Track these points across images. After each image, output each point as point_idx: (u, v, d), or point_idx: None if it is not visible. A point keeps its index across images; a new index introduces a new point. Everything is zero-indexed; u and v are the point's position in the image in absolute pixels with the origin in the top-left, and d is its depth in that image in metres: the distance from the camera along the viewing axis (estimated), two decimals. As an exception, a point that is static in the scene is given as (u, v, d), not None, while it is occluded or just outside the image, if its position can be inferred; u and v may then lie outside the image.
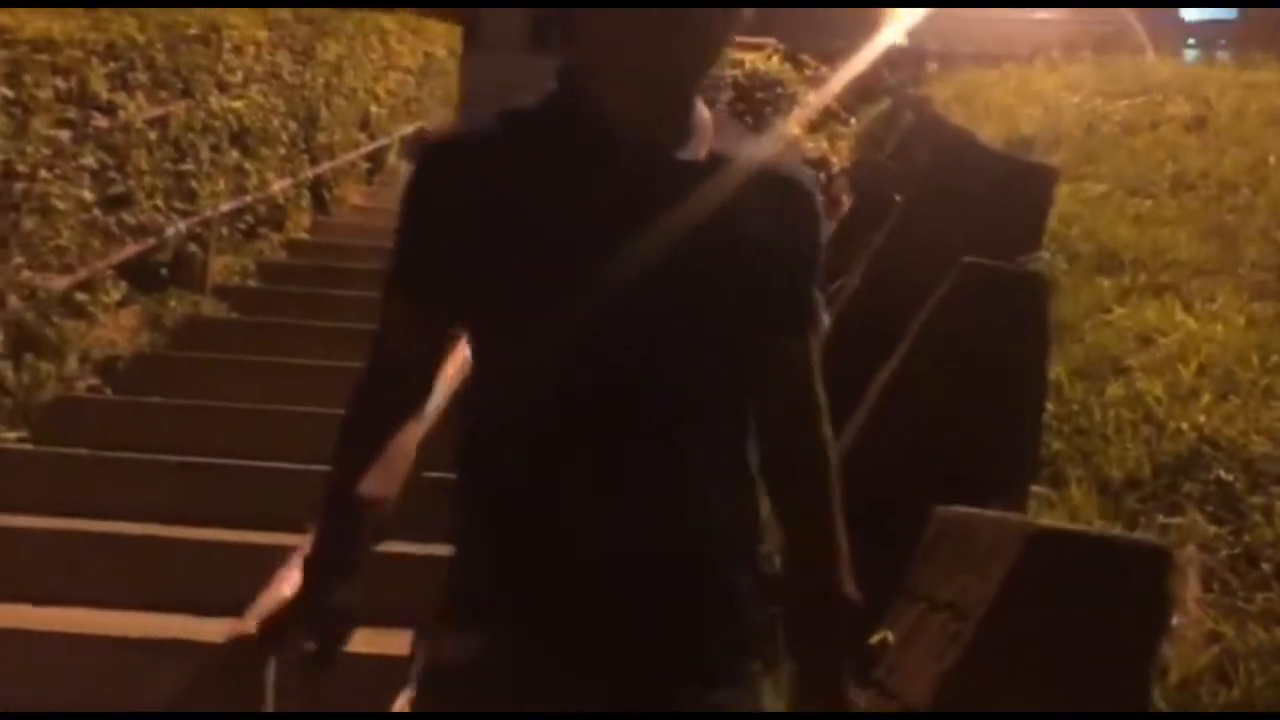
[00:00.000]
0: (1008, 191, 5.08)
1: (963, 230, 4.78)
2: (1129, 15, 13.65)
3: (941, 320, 3.68)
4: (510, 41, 17.88)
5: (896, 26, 12.71)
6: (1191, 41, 12.43)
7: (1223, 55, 12.83)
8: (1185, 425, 3.72)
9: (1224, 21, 15.68)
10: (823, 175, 7.41)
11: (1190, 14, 16.47)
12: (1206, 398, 3.82)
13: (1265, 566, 3.26)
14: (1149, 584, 2.36)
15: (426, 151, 1.39)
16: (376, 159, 10.50)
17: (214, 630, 3.52)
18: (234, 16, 7.68)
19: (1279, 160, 5.66)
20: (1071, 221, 5.31)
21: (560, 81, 1.38)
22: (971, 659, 2.35)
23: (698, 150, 1.36)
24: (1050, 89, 7.58)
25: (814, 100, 7.79)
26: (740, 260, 1.36)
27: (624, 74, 1.32)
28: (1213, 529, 3.39)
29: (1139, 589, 2.36)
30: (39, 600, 4.17)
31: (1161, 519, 3.45)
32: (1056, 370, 4.11)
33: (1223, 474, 3.53)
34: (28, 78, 5.54)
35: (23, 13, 5.88)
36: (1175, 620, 3.29)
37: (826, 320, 1.49)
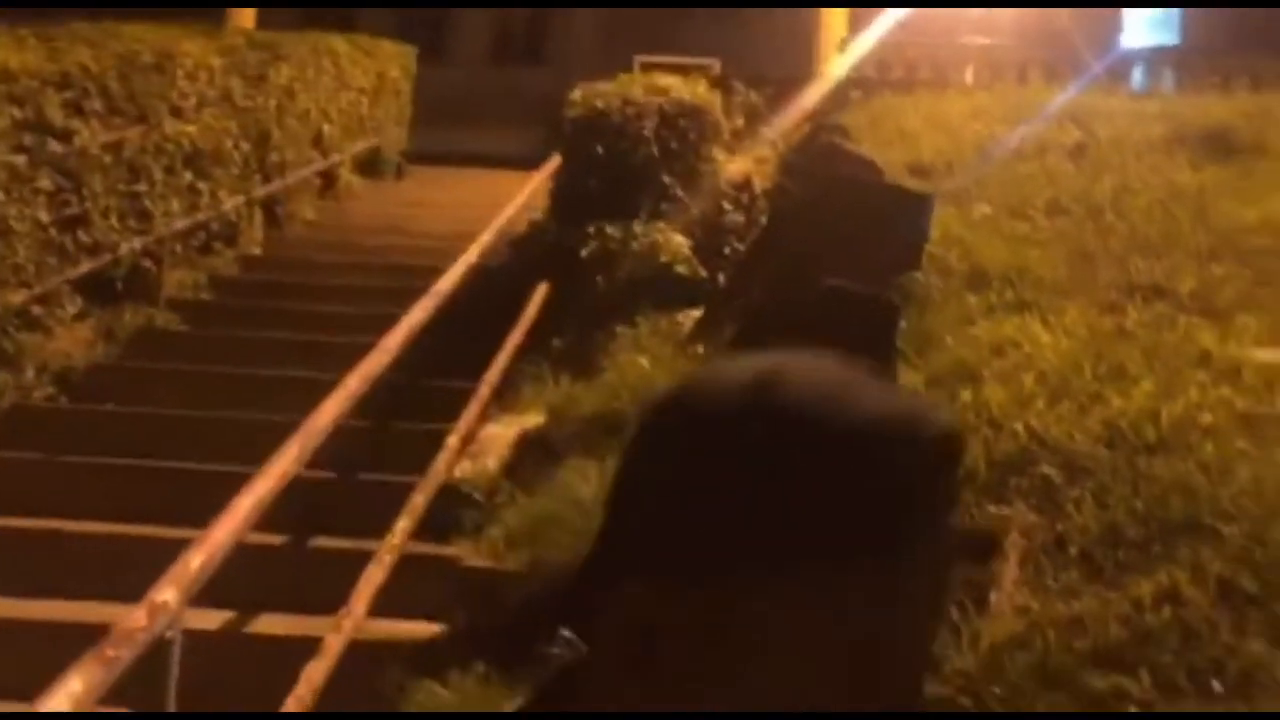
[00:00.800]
0: (891, 217, 5.58)
1: (848, 253, 5.28)
2: (1074, 36, 14.22)
3: (803, 338, 4.14)
4: (470, 56, 18.37)
5: (843, 60, 13.24)
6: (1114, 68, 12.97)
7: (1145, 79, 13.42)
8: (1020, 427, 4.19)
9: (1167, 48, 16.30)
10: (745, 197, 7.88)
11: (1134, 37, 17.13)
12: (1040, 403, 4.30)
13: (1072, 550, 3.74)
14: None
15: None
16: (329, 176, 10.92)
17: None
18: (187, 44, 8.09)
19: (1143, 187, 6.17)
20: (953, 242, 5.79)
21: None
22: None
23: None
24: (956, 115, 8.09)
25: (767, 131, 8.27)
26: None
27: None
28: (1033, 518, 3.86)
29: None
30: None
31: (991, 509, 3.92)
32: (916, 378, 4.57)
33: (1046, 470, 4.01)
34: (-14, 107, 5.96)
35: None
36: (992, 596, 3.78)
37: None
